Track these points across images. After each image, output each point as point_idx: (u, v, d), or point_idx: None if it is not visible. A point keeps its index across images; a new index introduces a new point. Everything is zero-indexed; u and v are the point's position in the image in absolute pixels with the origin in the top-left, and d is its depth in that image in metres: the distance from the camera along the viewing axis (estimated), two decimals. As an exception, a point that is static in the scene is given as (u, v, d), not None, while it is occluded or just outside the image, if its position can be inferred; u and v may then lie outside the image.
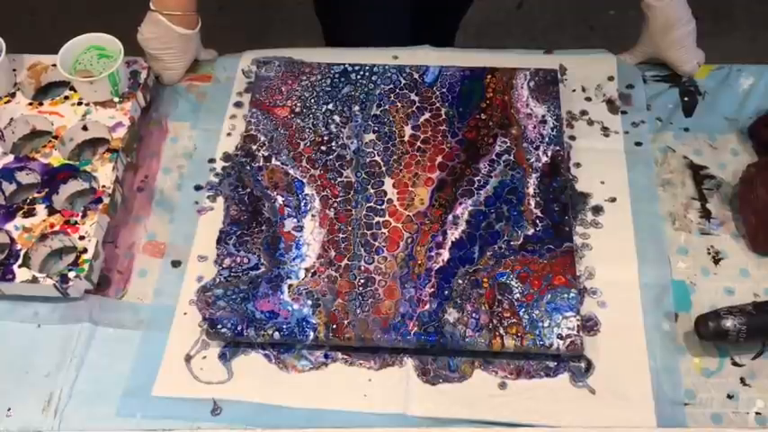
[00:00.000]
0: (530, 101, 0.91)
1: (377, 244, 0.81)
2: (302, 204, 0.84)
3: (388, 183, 0.85)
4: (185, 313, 0.79)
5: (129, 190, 0.88)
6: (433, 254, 0.80)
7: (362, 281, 0.78)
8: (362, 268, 0.79)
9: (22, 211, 0.82)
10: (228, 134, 0.93)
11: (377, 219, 0.83)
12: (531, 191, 0.84)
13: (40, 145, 0.88)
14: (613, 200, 0.86)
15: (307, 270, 0.79)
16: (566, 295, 0.77)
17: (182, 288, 0.81)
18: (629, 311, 0.79)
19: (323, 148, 0.88)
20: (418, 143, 0.88)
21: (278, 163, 0.87)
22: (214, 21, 1.08)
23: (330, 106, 0.91)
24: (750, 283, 0.81)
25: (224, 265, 0.79)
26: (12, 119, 0.89)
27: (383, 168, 0.86)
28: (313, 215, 0.83)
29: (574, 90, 0.96)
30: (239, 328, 0.75)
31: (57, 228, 0.81)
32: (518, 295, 0.77)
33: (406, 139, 0.89)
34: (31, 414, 0.74)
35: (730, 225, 0.85)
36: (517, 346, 0.74)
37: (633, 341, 0.77)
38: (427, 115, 0.91)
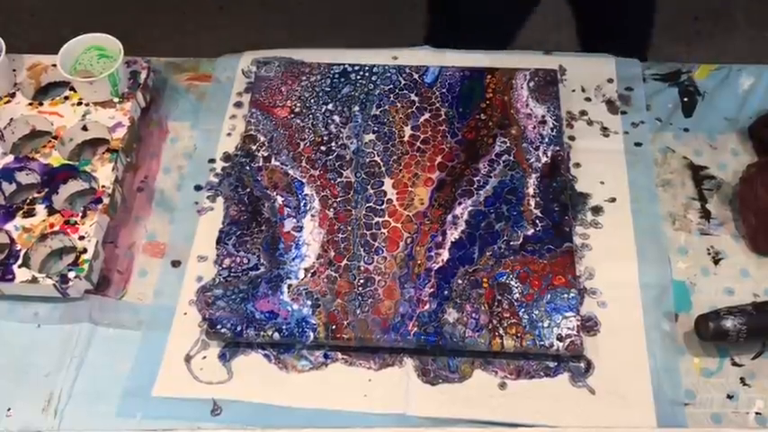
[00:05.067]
0: (529, 101, 0.91)
1: (376, 244, 0.81)
2: (302, 204, 0.84)
3: (388, 183, 0.85)
4: (185, 313, 0.79)
5: (129, 190, 0.88)
6: (432, 254, 0.80)
7: (362, 281, 0.78)
8: (362, 268, 0.79)
9: (21, 211, 0.82)
10: (228, 134, 0.93)
11: (376, 219, 0.83)
12: (530, 191, 0.84)
13: (39, 145, 0.88)
14: (613, 200, 0.86)
15: (306, 270, 0.79)
16: (566, 295, 0.77)
17: (182, 288, 0.81)
18: (629, 311, 0.79)
19: (323, 148, 0.88)
20: (418, 143, 0.88)
21: (278, 163, 0.87)
22: (214, 21, 1.09)
23: (330, 106, 0.91)
24: (750, 283, 0.81)
25: (224, 266, 0.79)
26: (12, 119, 0.89)
27: (383, 168, 0.86)
28: (313, 215, 0.83)
29: (573, 90, 0.96)
30: (239, 329, 0.75)
31: (57, 228, 0.81)
32: (518, 295, 0.77)
33: (406, 139, 0.89)
34: (31, 414, 0.74)
35: (730, 225, 0.85)
36: (517, 346, 0.74)
37: (633, 341, 0.77)
38: (427, 115, 0.91)
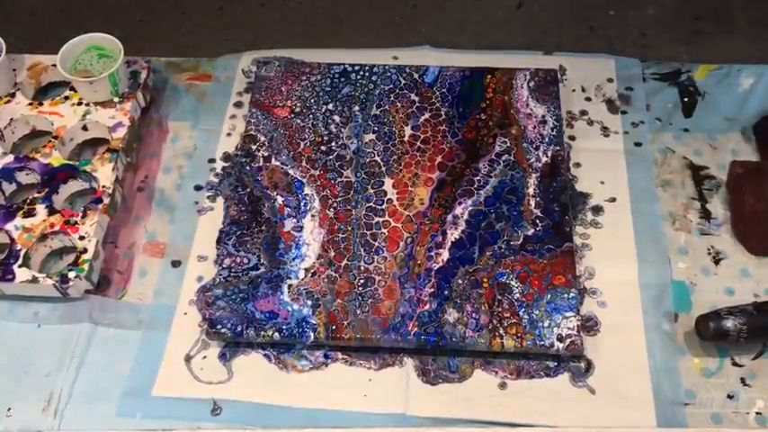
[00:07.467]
0: (530, 101, 0.91)
1: (377, 244, 0.81)
2: (302, 204, 0.84)
3: (388, 183, 0.85)
4: (185, 313, 0.79)
5: (129, 190, 0.88)
6: (432, 254, 0.80)
7: (362, 281, 0.78)
8: (362, 268, 0.79)
9: (22, 211, 0.82)
10: (228, 134, 0.93)
11: (376, 219, 0.83)
12: (530, 191, 0.84)
13: (40, 145, 0.88)
14: (613, 200, 0.86)
15: (306, 270, 0.79)
16: (566, 295, 0.77)
17: (182, 288, 0.81)
18: (629, 311, 0.79)
19: (323, 148, 0.88)
20: (418, 143, 0.88)
21: (278, 163, 0.87)
22: (214, 21, 1.09)
23: (330, 106, 0.91)
24: (751, 283, 0.81)
25: (224, 265, 0.79)
26: (12, 119, 0.89)
27: (383, 168, 0.86)
28: (313, 215, 0.83)
29: (573, 90, 0.96)
30: (239, 329, 0.75)
31: (57, 228, 0.81)
32: (518, 295, 0.77)
33: (406, 139, 0.89)
34: (31, 414, 0.74)
35: (730, 225, 0.85)
36: (517, 346, 0.74)
37: (633, 341, 0.77)
38: (427, 115, 0.91)
